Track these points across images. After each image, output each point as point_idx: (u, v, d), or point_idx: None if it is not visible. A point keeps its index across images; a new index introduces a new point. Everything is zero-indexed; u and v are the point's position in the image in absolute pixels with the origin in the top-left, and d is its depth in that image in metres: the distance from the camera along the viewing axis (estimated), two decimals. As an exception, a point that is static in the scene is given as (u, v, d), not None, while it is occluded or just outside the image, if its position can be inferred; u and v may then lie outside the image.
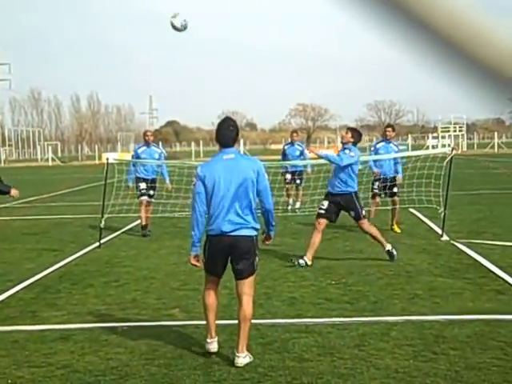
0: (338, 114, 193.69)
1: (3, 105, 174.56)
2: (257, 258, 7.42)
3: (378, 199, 17.23)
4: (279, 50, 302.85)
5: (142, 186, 17.41)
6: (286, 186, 22.46)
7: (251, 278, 7.42)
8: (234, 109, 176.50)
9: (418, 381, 6.42)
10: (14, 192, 11.39)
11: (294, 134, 23.23)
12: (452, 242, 14.63)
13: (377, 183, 17.16)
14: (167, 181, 17.86)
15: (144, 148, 17.78)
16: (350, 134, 12.96)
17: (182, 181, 18.88)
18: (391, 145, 17.24)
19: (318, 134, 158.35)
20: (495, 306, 9.17)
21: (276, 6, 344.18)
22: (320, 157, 13.24)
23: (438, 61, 1.30)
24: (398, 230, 16.62)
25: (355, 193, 12.75)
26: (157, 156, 17.79)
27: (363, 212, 12.84)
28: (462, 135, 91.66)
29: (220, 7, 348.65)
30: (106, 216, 16.07)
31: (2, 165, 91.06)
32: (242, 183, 7.26)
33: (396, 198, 17.04)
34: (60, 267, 12.93)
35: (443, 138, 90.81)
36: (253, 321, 7.82)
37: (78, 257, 14.14)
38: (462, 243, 14.30)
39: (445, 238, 15.10)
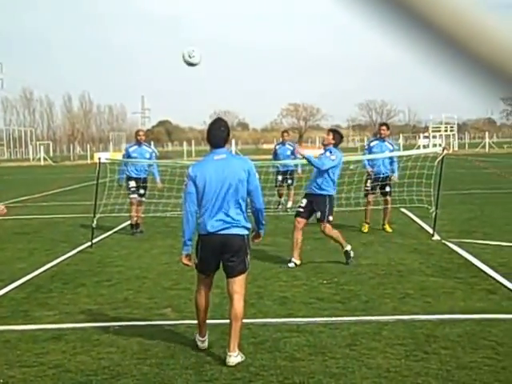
0: (330, 114, 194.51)
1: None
2: (248, 257, 7.48)
3: (370, 198, 17.23)
4: (271, 50, 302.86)
5: (132, 184, 17.46)
6: (278, 187, 22.53)
7: (242, 277, 7.45)
8: (226, 108, 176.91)
9: (409, 380, 6.44)
10: None
11: (285, 134, 23.33)
12: (443, 241, 14.66)
13: (369, 182, 17.18)
14: (158, 180, 17.94)
15: (135, 147, 17.84)
16: (331, 136, 12.97)
17: (174, 180, 18.88)
18: (386, 143, 17.25)
19: (309, 133, 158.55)
20: (486, 305, 9.20)
21: (268, 6, 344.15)
22: (304, 157, 13.19)
23: (441, 59, 1.30)
24: (390, 230, 16.65)
25: (329, 196, 12.66)
26: (148, 155, 17.86)
27: (330, 217, 12.68)
28: (453, 135, 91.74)
29: (212, 7, 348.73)
30: (98, 216, 16.05)
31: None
32: (232, 183, 7.32)
33: (388, 198, 17.06)
34: (52, 267, 12.91)
35: (434, 137, 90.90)
36: (244, 320, 7.84)
37: (70, 256, 14.12)
38: (453, 243, 14.33)
39: (436, 237, 15.13)
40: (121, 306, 9.77)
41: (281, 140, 23.40)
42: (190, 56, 8.85)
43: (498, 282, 10.58)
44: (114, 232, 17.74)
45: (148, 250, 14.78)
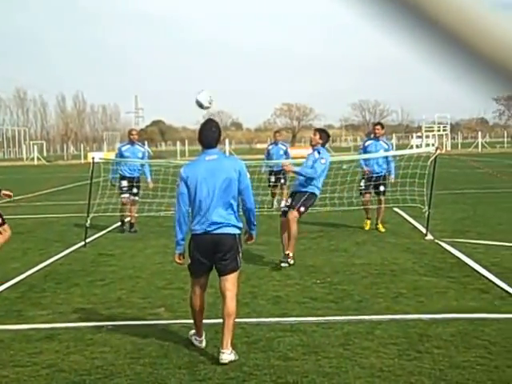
0: (323, 114, 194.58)
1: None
2: (240, 255, 7.55)
3: (367, 196, 17.21)
4: (265, 50, 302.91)
5: (124, 183, 17.54)
6: (271, 188, 22.59)
7: (234, 275, 7.52)
8: (220, 108, 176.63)
9: (402, 379, 6.45)
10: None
11: (277, 134, 23.43)
12: (436, 241, 14.69)
13: (363, 181, 17.20)
14: (149, 179, 18.04)
15: (128, 146, 17.95)
16: (318, 136, 12.98)
17: (167, 180, 18.86)
18: (380, 142, 17.28)
19: (302, 133, 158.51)
20: (479, 304, 9.22)
21: (262, 6, 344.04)
22: (296, 173, 13.07)
23: (443, 56, 1.31)
24: (383, 230, 16.67)
25: (312, 193, 12.67)
26: (140, 155, 17.95)
27: (302, 209, 12.56)
28: (446, 135, 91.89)
29: (206, 8, 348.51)
30: (91, 215, 16.05)
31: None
32: (224, 183, 7.42)
33: (382, 198, 17.08)
34: (45, 266, 12.90)
35: (427, 137, 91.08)
36: (238, 320, 7.87)
37: (64, 256, 14.11)
38: (446, 242, 14.36)
39: (429, 237, 15.16)
40: (114, 305, 9.77)
41: (273, 140, 23.47)
42: (210, 103, 8.97)
43: (490, 281, 10.60)
44: (108, 231, 17.74)
45: (142, 249, 14.78)
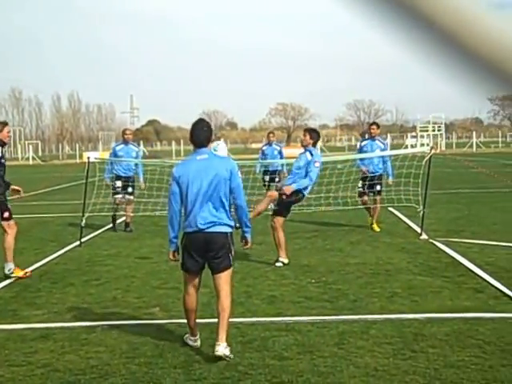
0: (318, 114, 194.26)
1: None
2: (232, 253, 7.63)
3: (365, 198, 17.22)
4: (259, 50, 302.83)
5: (118, 183, 17.61)
6: (266, 188, 22.60)
7: (227, 272, 7.60)
8: (215, 108, 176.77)
9: (397, 379, 6.46)
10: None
11: (271, 135, 23.44)
12: (431, 240, 14.71)
13: (361, 182, 17.21)
14: (141, 180, 18.16)
15: (122, 146, 18.11)
16: (308, 136, 13.01)
17: (163, 179, 18.86)
18: (376, 142, 17.31)
19: (298, 133, 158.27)
20: (473, 304, 9.24)
21: (258, 6, 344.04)
22: (299, 188, 13.07)
23: (441, 57, 1.31)
24: (377, 229, 16.69)
25: (300, 191, 12.71)
26: (134, 154, 18.12)
27: (286, 213, 12.84)
28: (441, 134, 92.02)
29: (201, 7, 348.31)
30: (86, 215, 16.05)
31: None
32: (215, 182, 7.51)
33: (378, 197, 17.10)
34: (40, 266, 12.90)
35: (422, 137, 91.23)
36: (233, 319, 7.90)
37: (59, 255, 14.11)
38: (440, 242, 14.39)
39: (424, 236, 15.18)
40: (109, 305, 9.78)
41: (267, 141, 23.49)
42: (214, 149, 9.28)
43: (485, 280, 10.62)
44: (103, 231, 17.75)
45: (137, 249, 14.79)
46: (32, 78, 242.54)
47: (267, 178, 22.29)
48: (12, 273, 11.72)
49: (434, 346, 7.40)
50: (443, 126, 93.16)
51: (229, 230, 7.61)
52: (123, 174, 17.70)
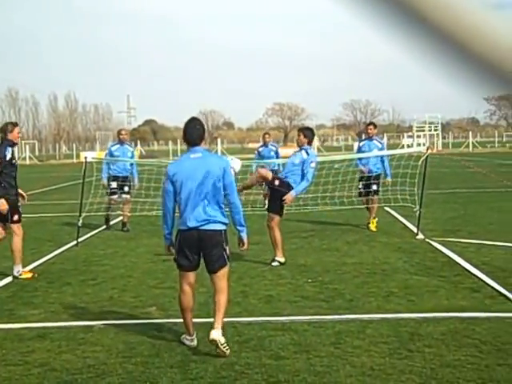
0: (315, 113, 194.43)
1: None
2: (227, 251, 7.72)
3: (365, 199, 17.24)
4: (256, 50, 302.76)
5: (114, 185, 17.68)
6: (262, 189, 22.61)
7: (224, 270, 7.71)
8: (212, 108, 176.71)
9: (393, 378, 6.47)
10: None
11: (266, 136, 23.46)
12: (427, 240, 14.73)
13: (360, 182, 17.24)
14: (136, 180, 18.20)
15: (118, 146, 18.19)
16: (302, 136, 13.10)
17: (160, 179, 18.88)
18: (374, 141, 17.34)
19: (294, 133, 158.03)
20: (470, 303, 9.25)
21: (254, 6, 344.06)
22: (299, 193, 13.16)
23: (437, 56, 1.32)
24: (374, 229, 16.70)
25: (290, 185, 12.74)
26: (130, 154, 18.30)
27: (281, 211, 12.88)
28: (437, 134, 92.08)
29: (199, 7, 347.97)
30: (83, 215, 16.05)
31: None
32: (209, 180, 7.60)
33: (375, 197, 17.12)
34: (37, 266, 12.89)
35: (418, 137, 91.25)
36: (229, 319, 7.96)
37: (56, 255, 14.12)
38: (436, 241, 14.40)
39: (420, 236, 15.20)
40: (106, 304, 9.78)
41: (262, 142, 23.50)
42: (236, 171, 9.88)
43: (481, 280, 10.64)
44: (100, 231, 17.75)
45: (133, 248, 14.80)
46: (29, 77, 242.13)
47: None
48: (21, 274, 11.74)
49: (430, 346, 7.42)
50: (439, 125, 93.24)
51: (223, 227, 7.70)
52: (119, 175, 17.76)
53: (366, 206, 17.45)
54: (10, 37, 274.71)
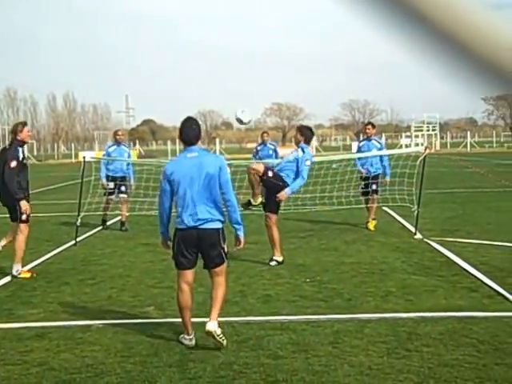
0: (313, 113, 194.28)
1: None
2: (225, 248, 7.83)
3: (369, 197, 17.23)
4: (254, 50, 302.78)
5: (111, 185, 17.72)
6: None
7: (222, 266, 7.85)
8: (210, 108, 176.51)
9: (391, 377, 6.48)
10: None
11: (265, 135, 23.46)
12: (425, 240, 14.74)
13: (362, 182, 17.25)
14: (132, 181, 18.23)
15: (114, 147, 18.26)
16: (299, 134, 13.17)
17: (158, 179, 18.89)
18: (373, 141, 17.36)
19: (293, 132, 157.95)
20: (468, 303, 9.26)
21: (252, 7, 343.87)
22: (294, 191, 13.13)
23: (437, 56, 1.32)
24: (373, 228, 16.71)
25: (283, 180, 12.73)
26: (126, 155, 18.31)
27: (278, 210, 12.91)
28: (435, 134, 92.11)
29: (198, 8, 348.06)
30: (82, 214, 16.06)
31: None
32: (205, 179, 7.69)
33: (375, 196, 17.13)
34: (36, 265, 12.90)
35: (416, 137, 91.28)
36: (228, 318, 8.00)
37: (54, 255, 14.12)
38: (435, 241, 14.41)
39: (418, 236, 15.21)
40: (104, 304, 9.79)
41: (261, 141, 23.50)
42: (248, 121, 9.91)
43: (479, 280, 10.65)
44: (98, 230, 17.76)
45: (132, 248, 14.81)
46: (27, 77, 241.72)
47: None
48: (20, 274, 11.75)
49: (428, 345, 7.43)
50: (438, 125, 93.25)
51: (220, 225, 7.80)
52: (116, 175, 17.81)
53: (366, 205, 17.46)
54: (8, 36, 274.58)
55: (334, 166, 21.08)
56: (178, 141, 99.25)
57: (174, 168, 7.85)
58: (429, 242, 14.46)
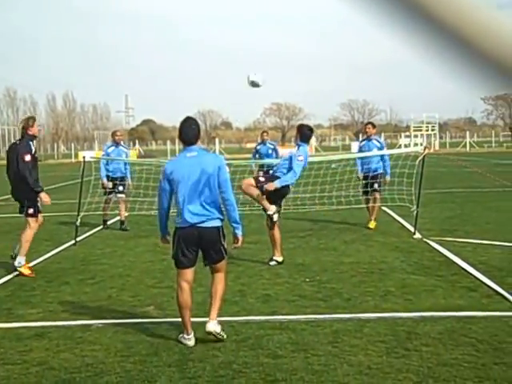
0: (312, 113, 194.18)
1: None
2: (224, 245, 7.94)
3: (369, 196, 17.25)
4: (254, 50, 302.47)
5: (109, 185, 17.76)
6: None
7: (222, 262, 7.99)
8: (210, 108, 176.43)
9: (390, 377, 6.49)
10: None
11: (265, 134, 23.49)
12: (424, 239, 14.75)
13: (363, 182, 17.26)
14: (129, 181, 18.36)
15: (113, 148, 18.27)
16: (296, 132, 13.21)
17: (158, 179, 18.91)
18: (373, 141, 17.37)
19: (292, 132, 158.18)
20: (467, 302, 9.27)
21: (251, 7, 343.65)
22: (282, 185, 13.02)
23: (441, 53, 1.33)
24: (372, 226, 16.72)
25: (287, 187, 12.76)
26: (124, 156, 18.29)
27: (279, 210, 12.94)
28: (435, 134, 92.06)
29: (197, 8, 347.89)
30: (82, 214, 16.07)
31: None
32: (205, 178, 7.76)
33: (377, 195, 17.14)
34: (35, 265, 12.90)
35: (416, 136, 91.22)
36: (227, 318, 8.02)
37: (54, 254, 14.14)
38: (434, 241, 14.42)
39: (417, 235, 15.23)
40: (104, 303, 9.80)
41: (261, 140, 23.53)
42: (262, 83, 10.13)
43: (478, 279, 10.66)
44: (98, 230, 17.76)
45: (132, 248, 14.82)
46: (27, 77, 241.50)
47: (262, 179, 22.26)
48: (20, 267, 11.77)
49: (428, 345, 7.44)
50: (437, 125, 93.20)
51: (219, 223, 7.89)
52: (115, 176, 17.85)
53: (366, 205, 17.46)
54: (8, 36, 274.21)
55: (333, 165, 21.09)
56: (177, 141, 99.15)
57: (174, 167, 7.91)
58: (428, 241, 14.47)
